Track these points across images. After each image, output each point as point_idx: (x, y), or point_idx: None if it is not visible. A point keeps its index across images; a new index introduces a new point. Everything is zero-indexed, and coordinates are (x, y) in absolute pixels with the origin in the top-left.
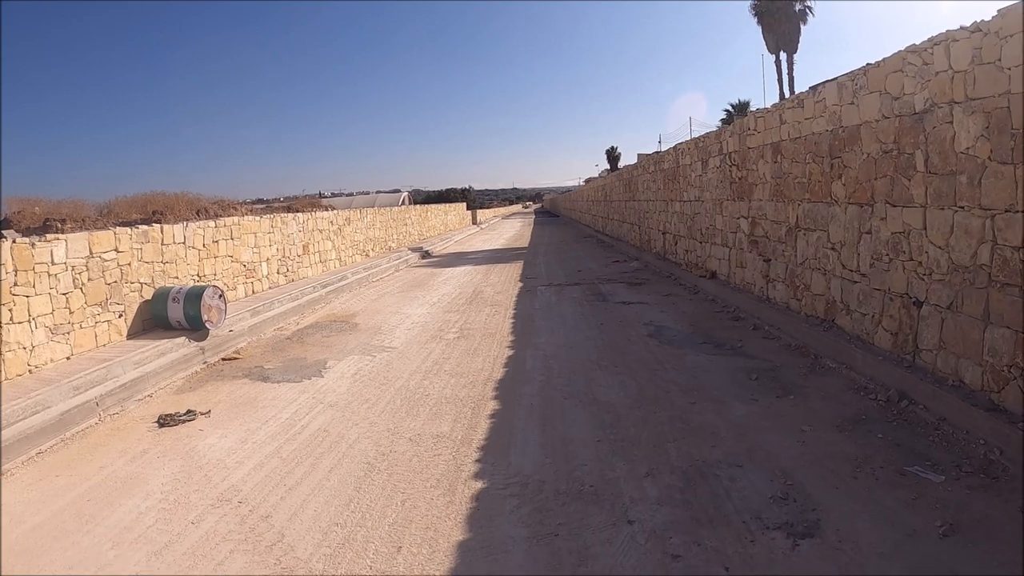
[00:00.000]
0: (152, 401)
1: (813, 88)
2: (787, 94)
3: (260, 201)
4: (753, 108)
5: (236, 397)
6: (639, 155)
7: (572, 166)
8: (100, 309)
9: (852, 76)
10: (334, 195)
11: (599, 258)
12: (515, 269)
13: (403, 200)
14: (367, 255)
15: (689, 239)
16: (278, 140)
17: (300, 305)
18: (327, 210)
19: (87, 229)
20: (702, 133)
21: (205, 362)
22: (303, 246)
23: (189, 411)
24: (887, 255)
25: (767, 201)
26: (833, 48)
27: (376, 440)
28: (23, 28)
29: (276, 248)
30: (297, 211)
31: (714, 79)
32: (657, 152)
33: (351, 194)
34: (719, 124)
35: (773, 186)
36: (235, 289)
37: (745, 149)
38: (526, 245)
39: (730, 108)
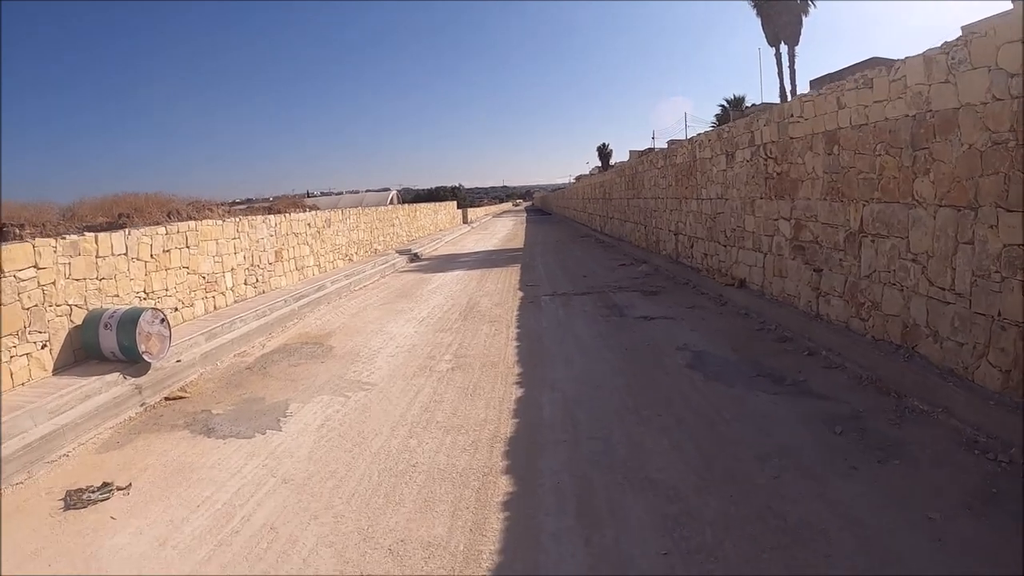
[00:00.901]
0: (68, 463)
1: (816, 81)
2: (788, 88)
3: (248, 201)
4: (749, 103)
5: (169, 461)
6: (631, 151)
7: (562, 164)
8: (16, 340)
9: (946, 48)
10: (322, 194)
11: (603, 261)
12: (512, 274)
13: (391, 199)
14: (350, 259)
15: (709, 242)
16: (271, 140)
17: (268, 323)
18: (307, 211)
19: (48, 235)
20: (699, 130)
21: (143, 404)
22: (276, 252)
23: (105, 484)
24: (997, 272)
25: (818, 200)
26: (834, 41)
27: (340, 550)
28: (11, 28)
29: (243, 256)
30: (278, 212)
31: (708, 75)
32: (670, 144)
33: (339, 193)
34: (713, 120)
35: (826, 182)
36: (192, 306)
37: (787, 140)
38: (521, 245)
39: (725, 104)
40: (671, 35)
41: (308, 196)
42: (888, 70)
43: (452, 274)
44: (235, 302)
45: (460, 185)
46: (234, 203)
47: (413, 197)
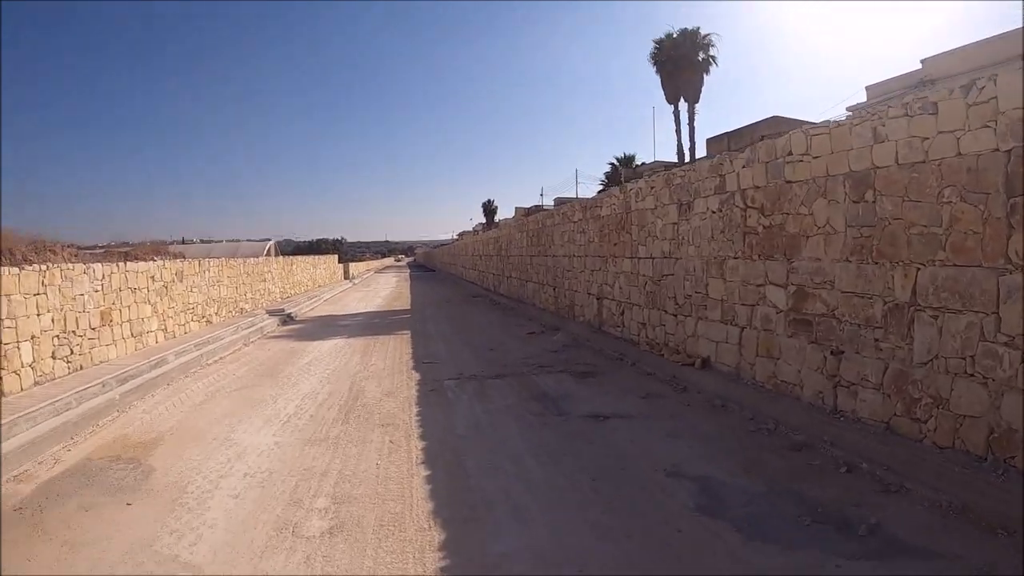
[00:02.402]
0: None
1: (713, 140)
2: (686, 146)
3: (108, 247)
4: (640, 162)
5: None
6: (517, 208)
7: (445, 220)
8: None
9: None
10: (201, 241)
11: (507, 328)
12: (403, 344)
13: (268, 250)
14: (208, 321)
15: (650, 309)
16: (153, 184)
17: (70, 422)
18: (162, 259)
19: None
20: (591, 188)
21: None
22: (102, 313)
23: None
24: None
25: (836, 262)
26: (734, 102)
27: None
28: None
29: (52, 317)
30: (137, 258)
31: (599, 134)
32: (557, 201)
33: (218, 241)
34: (603, 178)
35: (851, 238)
36: None
37: (780, 184)
38: (408, 306)
39: (615, 162)
40: (560, 94)
41: (182, 243)
42: (966, 91)
43: (331, 343)
44: (34, 385)
45: (343, 238)
46: (95, 247)
47: (293, 249)
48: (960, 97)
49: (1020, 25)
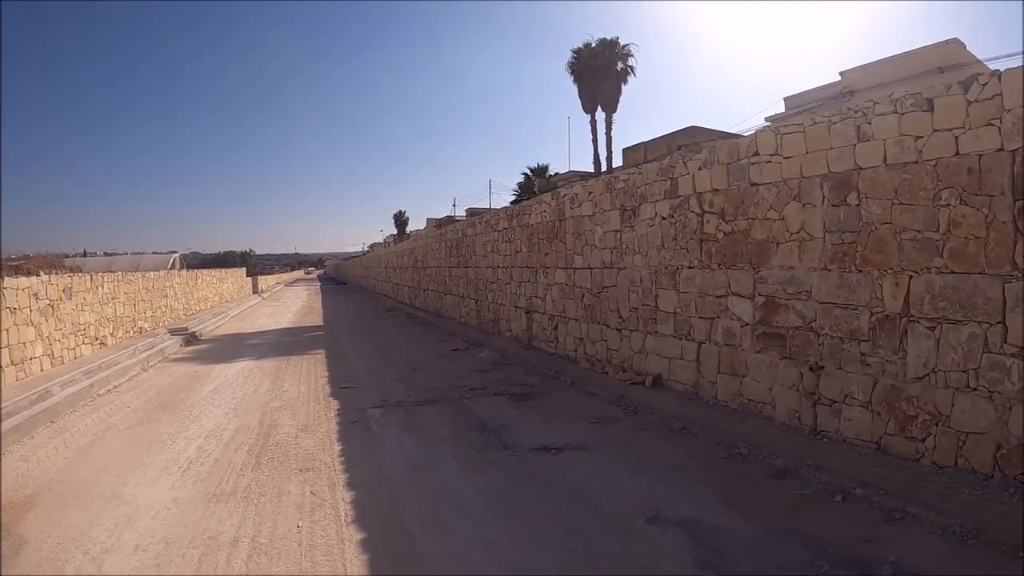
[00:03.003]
0: None
1: (629, 149)
2: (603, 155)
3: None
4: (553, 172)
5: None
6: (428, 219)
7: (354, 232)
8: None
9: None
10: (105, 254)
11: (428, 344)
12: (317, 365)
13: (173, 263)
14: (103, 344)
15: (590, 323)
16: (55, 194)
17: None
18: (46, 276)
19: None
20: (504, 198)
21: None
22: None
23: None
24: None
25: (812, 270)
26: (650, 112)
27: None
28: None
29: None
30: (29, 272)
31: (513, 145)
32: (469, 212)
33: (122, 253)
34: (515, 188)
35: (831, 244)
36: None
37: (745, 187)
38: (321, 322)
39: (528, 172)
40: (473, 103)
41: (84, 255)
42: (965, 87)
43: (238, 366)
44: None
45: (251, 251)
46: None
47: (200, 262)
48: (959, 93)
49: (932, 42)
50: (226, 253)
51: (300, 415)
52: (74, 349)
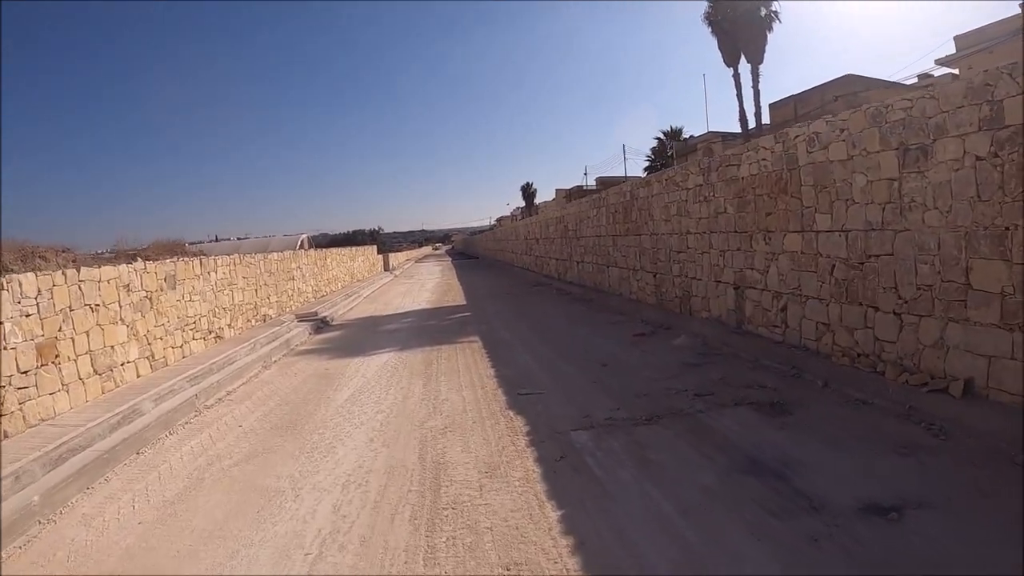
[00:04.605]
0: None
1: (775, 105)
2: (750, 111)
3: (120, 249)
4: (687, 135)
5: None
6: (558, 190)
7: (480, 206)
8: None
9: None
10: (237, 239)
11: (598, 326)
12: (477, 358)
13: (301, 243)
14: (218, 337)
15: (843, 304)
16: (186, 185)
17: None
18: (181, 260)
19: None
20: (639, 164)
21: None
22: (39, 348)
23: None
24: None
25: None
26: (799, 60)
27: None
28: None
29: None
30: (148, 259)
31: (644, 108)
32: (647, 166)
33: (245, 237)
34: (649, 154)
35: None
36: None
37: None
38: (463, 300)
39: (661, 136)
40: (601, 70)
41: (216, 241)
42: None
43: (379, 360)
44: None
45: (380, 228)
46: (99, 253)
47: (328, 242)
48: None
49: None
50: (355, 232)
51: (475, 444)
52: (181, 347)
